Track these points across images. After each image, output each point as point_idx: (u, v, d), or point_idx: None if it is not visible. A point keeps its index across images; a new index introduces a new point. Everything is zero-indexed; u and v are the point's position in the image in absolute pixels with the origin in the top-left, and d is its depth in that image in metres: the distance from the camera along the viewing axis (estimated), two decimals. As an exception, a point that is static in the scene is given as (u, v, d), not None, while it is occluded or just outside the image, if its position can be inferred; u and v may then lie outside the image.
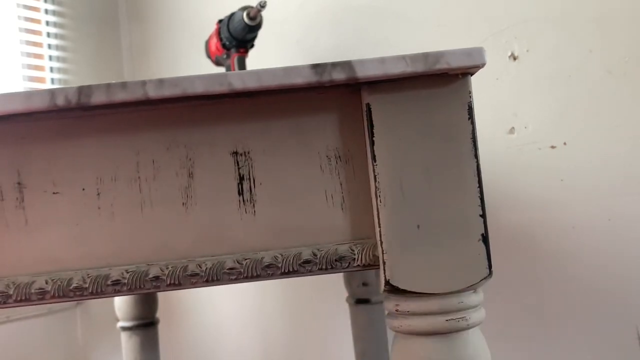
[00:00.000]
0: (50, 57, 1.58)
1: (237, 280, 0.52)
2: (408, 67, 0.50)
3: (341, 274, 1.31)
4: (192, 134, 0.53)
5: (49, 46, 1.58)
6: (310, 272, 0.52)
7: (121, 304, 1.24)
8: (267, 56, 1.46)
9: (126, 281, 0.52)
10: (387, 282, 0.50)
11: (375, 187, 0.51)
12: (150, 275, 0.52)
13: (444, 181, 0.51)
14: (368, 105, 0.51)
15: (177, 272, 0.52)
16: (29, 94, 0.50)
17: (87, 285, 0.52)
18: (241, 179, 0.53)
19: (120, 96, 0.50)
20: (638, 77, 1.10)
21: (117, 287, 0.52)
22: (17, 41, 1.50)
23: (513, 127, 1.20)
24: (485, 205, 0.64)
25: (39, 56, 1.55)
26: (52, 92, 0.50)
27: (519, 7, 1.20)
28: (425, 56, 0.50)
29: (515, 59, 1.20)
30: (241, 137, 0.53)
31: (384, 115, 0.51)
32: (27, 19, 1.53)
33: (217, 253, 0.53)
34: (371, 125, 0.51)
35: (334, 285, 1.40)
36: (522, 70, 1.20)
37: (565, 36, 1.15)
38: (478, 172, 0.51)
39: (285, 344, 1.53)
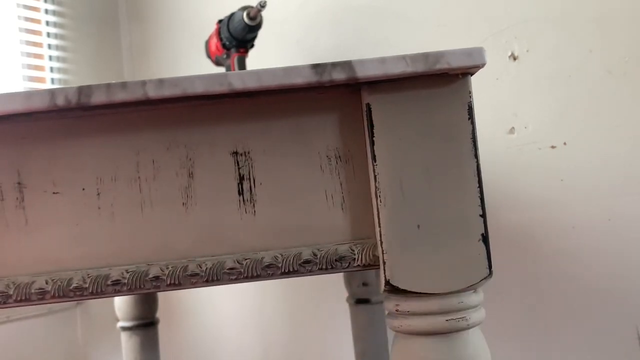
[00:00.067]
0: (50, 57, 1.58)
1: (237, 280, 0.52)
2: (408, 67, 0.50)
3: (341, 274, 1.31)
4: (192, 134, 0.53)
5: (49, 46, 1.58)
6: (310, 272, 0.52)
7: (121, 304, 1.24)
8: (267, 56, 1.46)
9: (126, 281, 0.52)
10: (387, 282, 0.50)
11: (375, 187, 0.51)
12: (150, 275, 0.52)
13: (444, 181, 0.51)
14: (368, 105, 0.51)
15: (177, 272, 0.52)
16: (29, 94, 0.50)
17: (87, 285, 0.52)
18: (241, 179, 0.53)
19: (120, 96, 0.50)
20: (638, 77, 1.10)
21: (117, 287, 0.52)
22: (17, 41, 1.50)
23: (513, 127, 1.20)
24: (485, 205, 0.64)
25: (39, 56, 1.55)
26: (52, 92, 0.50)
27: (519, 7, 1.20)
28: (426, 56, 0.50)
29: (515, 59, 1.20)
30: (241, 137, 0.53)
31: (384, 115, 0.51)
32: (27, 19, 1.53)
33: (217, 253, 0.53)
34: (371, 125, 0.51)
35: (334, 285, 1.40)
36: (522, 70, 1.20)
37: (565, 36, 1.15)
38: (478, 172, 0.51)
39: (285, 344, 1.53)
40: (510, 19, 1.21)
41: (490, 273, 0.51)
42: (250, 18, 1.17)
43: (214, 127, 0.53)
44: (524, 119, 1.19)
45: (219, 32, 1.25)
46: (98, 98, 0.50)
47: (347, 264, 0.52)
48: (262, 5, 1.12)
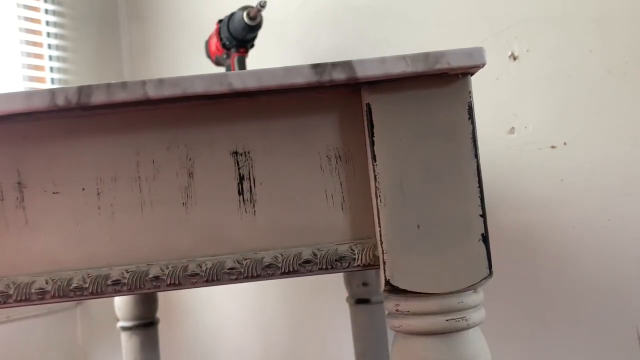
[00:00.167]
0: (50, 57, 1.58)
1: (237, 280, 0.52)
2: (408, 67, 0.50)
3: (341, 274, 1.31)
4: (192, 133, 0.53)
5: (49, 46, 1.58)
6: (311, 272, 0.52)
7: (121, 304, 1.24)
8: (267, 56, 1.46)
9: (126, 281, 0.52)
10: (387, 282, 0.50)
11: (376, 187, 0.51)
12: (150, 275, 0.52)
13: (444, 181, 0.51)
14: (368, 105, 0.51)
15: (177, 272, 0.52)
16: (29, 94, 0.50)
17: (87, 285, 0.52)
18: (241, 178, 0.53)
19: (120, 96, 0.50)
20: (638, 77, 1.10)
21: (117, 287, 0.52)
22: (17, 41, 1.50)
23: (513, 127, 1.20)
24: (485, 205, 0.64)
25: (39, 56, 1.55)
26: (52, 92, 0.50)
27: (519, 7, 1.20)
28: (426, 56, 0.50)
29: (515, 59, 1.20)
30: (241, 137, 0.53)
31: (384, 115, 0.51)
32: (27, 19, 1.53)
33: (217, 253, 0.53)
34: (371, 125, 0.51)
35: (334, 285, 1.40)
36: (522, 70, 1.20)
37: (565, 36, 1.15)
38: (478, 172, 0.51)
39: (285, 344, 1.53)
40: (510, 19, 1.21)
41: (490, 273, 0.51)
42: (250, 18, 1.17)
43: (214, 127, 0.53)
44: (524, 119, 1.19)
45: (219, 32, 1.25)
46: (98, 98, 0.50)
47: (347, 264, 0.52)
48: (262, 5, 1.12)
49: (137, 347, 1.22)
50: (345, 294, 1.34)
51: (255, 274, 0.52)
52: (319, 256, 0.52)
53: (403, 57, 0.50)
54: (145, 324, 1.23)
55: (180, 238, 0.53)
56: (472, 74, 0.52)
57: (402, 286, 0.50)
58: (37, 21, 1.56)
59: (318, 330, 1.47)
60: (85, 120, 0.53)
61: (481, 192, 0.51)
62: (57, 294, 0.52)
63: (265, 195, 0.53)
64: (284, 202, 0.53)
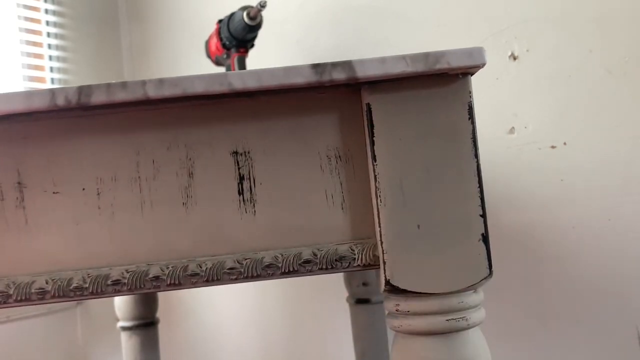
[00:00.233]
0: (50, 57, 1.58)
1: (237, 280, 0.52)
2: (408, 67, 0.50)
3: (341, 274, 1.31)
4: (192, 133, 0.53)
5: (49, 46, 1.58)
6: (311, 272, 0.52)
7: (121, 304, 1.24)
8: (267, 56, 1.46)
9: (126, 281, 0.52)
10: (387, 282, 0.50)
11: (376, 187, 0.51)
12: (150, 275, 0.52)
13: (444, 181, 0.51)
14: (368, 105, 0.51)
15: (177, 272, 0.52)
16: (29, 94, 0.50)
17: (87, 285, 0.52)
18: (241, 178, 0.53)
19: (120, 96, 0.50)
20: (638, 77, 1.10)
21: (117, 287, 0.52)
22: (17, 41, 1.50)
23: (513, 127, 1.20)
24: (485, 205, 0.64)
25: (39, 56, 1.55)
26: (52, 92, 0.50)
27: (519, 7, 1.20)
28: (426, 56, 0.50)
29: (515, 59, 1.20)
30: (241, 137, 0.53)
31: (384, 115, 0.51)
32: (27, 19, 1.53)
33: (217, 253, 0.53)
34: (371, 125, 0.51)
35: (334, 285, 1.40)
36: (522, 70, 1.20)
37: (565, 36, 1.15)
38: (478, 172, 0.51)
39: (285, 344, 1.53)
40: (510, 19, 1.21)
41: (490, 273, 0.51)
42: (251, 18, 1.17)
43: (214, 127, 0.53)
44: (524, 119, 1.19)
45: (219, 32, 1.25)
46: (98, 98, 0.50)
47: (347, 264, 0.52)
48: (262, 5, 1.12)
49: (137, 347, 1.22)
50: (345, 294, 1.34)
51: (255, 274, 0.52)
52: (319, 256, 0.52)
53: (403, 57, 0.50)
54: (145, 324, 1.23)
55: (180, 238, 0.53)
56: (472, 74, 0.52)
57: (402, 286, 0.50)
58: (37, 21, 1.56)
59: (318, 330, 1.47)
60: (85, 120, 0.53)
61: (481, 192, 0.51)
62: (57, 294, 0.52)
63: (265, 195, 0.53)
64: (284, 202, 0.53)
